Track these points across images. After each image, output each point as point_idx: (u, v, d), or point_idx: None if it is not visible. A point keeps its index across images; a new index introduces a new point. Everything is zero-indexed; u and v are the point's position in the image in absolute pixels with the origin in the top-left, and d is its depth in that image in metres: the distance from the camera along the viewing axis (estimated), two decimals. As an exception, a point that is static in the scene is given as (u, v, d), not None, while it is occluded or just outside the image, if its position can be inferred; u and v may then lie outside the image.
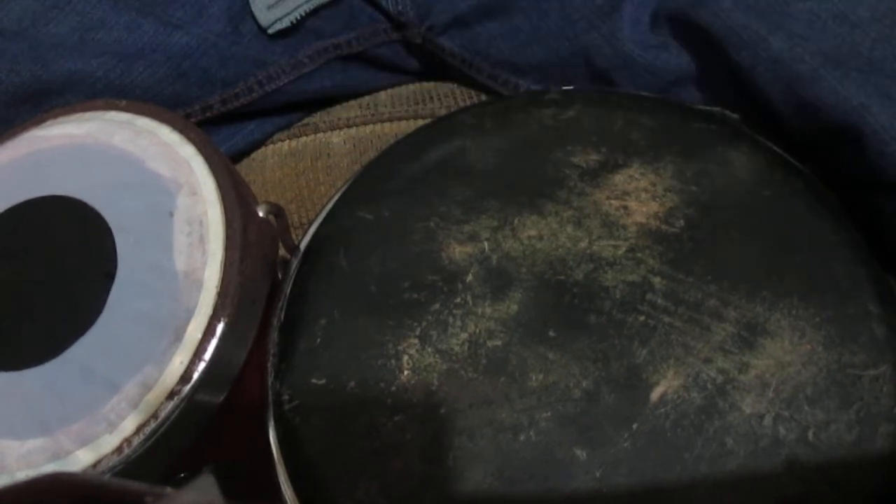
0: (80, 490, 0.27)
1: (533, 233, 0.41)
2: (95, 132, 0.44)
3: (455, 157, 0.44)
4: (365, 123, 0.63)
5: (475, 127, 0.44)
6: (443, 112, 0.62)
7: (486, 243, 0.41)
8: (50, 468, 0.35)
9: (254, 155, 0.65)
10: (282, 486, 0.37)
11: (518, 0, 0.54)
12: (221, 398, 0.38)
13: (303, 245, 0.44)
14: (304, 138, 0.64)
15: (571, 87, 0.48)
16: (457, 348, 0.38)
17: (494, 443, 0.36)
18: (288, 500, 0.37)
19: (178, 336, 0.37)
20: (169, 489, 0.27)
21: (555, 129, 0.45)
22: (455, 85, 0.63)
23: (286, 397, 0.38)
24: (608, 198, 0.42)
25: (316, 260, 0.42)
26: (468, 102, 0.62)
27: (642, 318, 0.38)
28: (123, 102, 0.46)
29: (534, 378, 0.37)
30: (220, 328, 0.37)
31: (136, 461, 0.36)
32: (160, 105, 0.46)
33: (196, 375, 0.36)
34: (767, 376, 0.37)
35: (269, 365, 0.39)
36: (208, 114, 0.58)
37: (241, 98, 0.59)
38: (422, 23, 0.58)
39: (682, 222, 0.41)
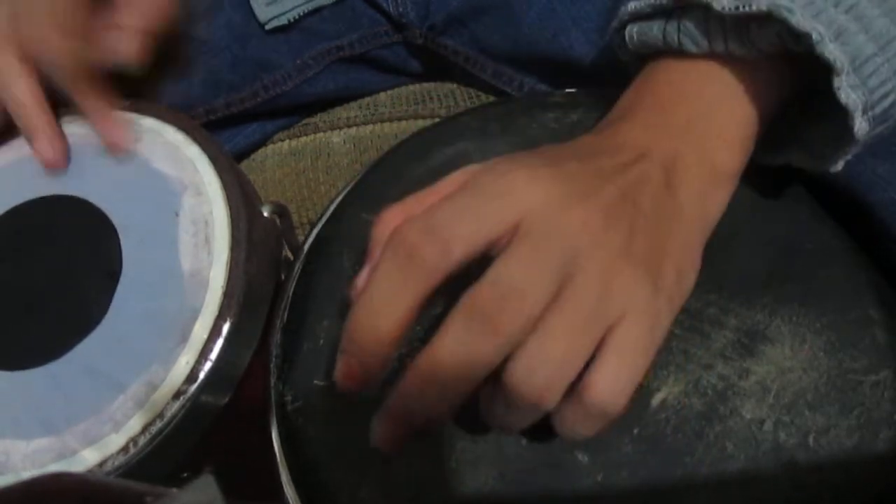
0: (81, 490, 0.27)
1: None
2: (100, 131, 0.44)
3: (458, 160, 0.44)
4: (365, 123, 0.63)
5: (479, 130, 0.44)
6: (443, 112, 0.62)
7: (489, 246, 0.41)
8: (56, 468, 0.35)
9: (254, 155, 0.65)
10: (284, 487, 0.37)
11: None
12: (226, 398, 0.38)
13: (306, 246, 0.44)
14: (304, 138, 0.64)
15: (575, 90, 0.48)
16: (459, 351, 0.38)
17: (497, 445, 0.36)
18: (290, 501, 0.37)
19: (184, 336, 0.37)
20: (171, 490, 0.27)
21: (558, 133, 0.45)
22: (455, 85, 0.63)
23: (289, 398, 0.38)
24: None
25: (319, 261, 0.42)
26: (468, 102, 0.62)
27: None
28: (128, 102, 0.46)
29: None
30: (225, 328, 0.37)
31: (142, 461, 0.36)
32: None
33: (202, 375, 0.36)
34: (768, 382, 0.37)
35: (272, 366, 0.39)
36: (212, 117, 0.58)
37: (245, 102, 0.59)
38: (423, 23, 0.58)
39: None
